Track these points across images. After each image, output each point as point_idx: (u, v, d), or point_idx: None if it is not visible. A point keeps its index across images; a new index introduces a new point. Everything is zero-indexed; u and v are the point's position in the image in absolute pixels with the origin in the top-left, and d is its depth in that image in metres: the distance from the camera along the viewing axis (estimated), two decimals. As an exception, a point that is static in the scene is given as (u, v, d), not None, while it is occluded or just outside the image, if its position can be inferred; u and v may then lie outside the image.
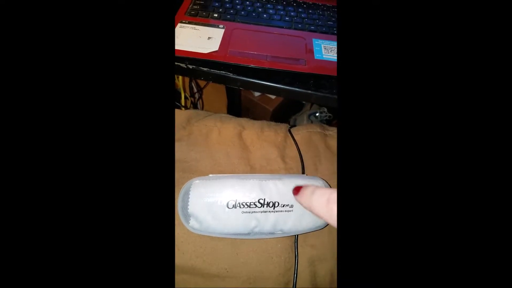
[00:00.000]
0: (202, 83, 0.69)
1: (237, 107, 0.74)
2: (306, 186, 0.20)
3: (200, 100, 0.70)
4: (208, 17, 0.38)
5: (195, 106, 0.70)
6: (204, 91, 0.70)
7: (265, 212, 0.23)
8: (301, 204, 0.20)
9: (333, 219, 0.17)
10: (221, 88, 0.70)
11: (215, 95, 0.73)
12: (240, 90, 0.69)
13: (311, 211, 0.19)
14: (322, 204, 0.17)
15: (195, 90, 0.68)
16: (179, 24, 0.36)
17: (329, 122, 0.80)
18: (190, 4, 0.40)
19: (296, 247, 0.24)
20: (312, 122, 0.79)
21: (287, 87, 0.32)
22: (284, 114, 0.80)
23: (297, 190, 0.21)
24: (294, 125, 0.34)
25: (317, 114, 0.79)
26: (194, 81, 0.66)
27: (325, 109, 0.78)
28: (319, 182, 0.25)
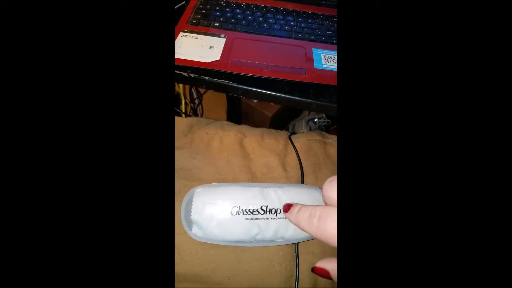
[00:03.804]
0: (202, 89, 0.69)
1: (237, 113, 0.75)
2: (295, 204, 0.22)
3: (200, 106, 0.71)
4: (209, 26, 0.39)
5: (195, 112, 0.70)
6: (204, 96, 0.71)
7: (267, 219, 0.24)
8: (290, 221, 0.22)
9: (312, 231, 0.19)
10: (221, 93, 0.70)
11: (215, 101, 0.74)
12: (241, 97, 0.69)
13: (298, 226, 0.21)
14: (305, 219, 0.19)
15: (195, 96, 0.68)
16: (181, 33, 0.37)
17: (327, 128, 0.81)
18: (191, 13, 0.40)
19: (297, 255, 0.24)
20: (310, 127, 0.80)
21: (288, 96, 0.33)
22: (283, 119, 0.81)
23: (287, 207, 0.22)
24: (293, 132, 0.34)
25: (315, 120, 0.79)
26: (194, 87, 0.66)
27: (324, 115, 0.78)
28: (318, 192, 0.26)
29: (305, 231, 0.20)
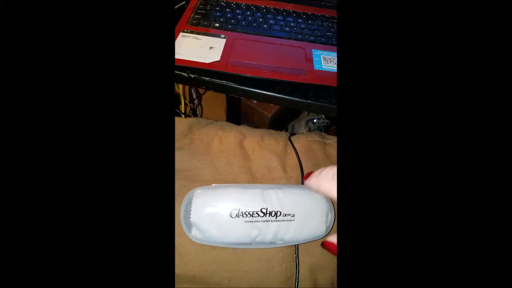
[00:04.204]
0: (201, 89, 0.69)
1: (237, 114, 0.75)
2: (315, 171, 0.21)
3: (199, 106, 0.71)
4: (209, 26, 0.39)
5: (194, 112, 0.70)
6: (203, 97, 0.71)
7: (267, 221, 0.24)
8: (311, 186, 0.21)
9: (336, 191, 0.18)
10: (221, 94, 0.70)
11: (214, 101, 0.74)
12: (240, 97, 0.69)
13: (319, 190, 0.20)
14: (329, 179, 0.19)
15: (194, 96, 0.68)
16: (181, 33, 0.37)
17: (326, 128, 0.81)
18: (191, 14, 0.40)
19: (297, 256, 0.24)
20: (310, 128, 0.80)
21: (288, 97, 0.32)
22: (282, 120, 0.81)
23: (307, 175, 0.22)
24: (293, 132, 0.34)
25: (314, 121, 0.79)
26: (193, 87, 0.66)
27: (323, 116, 0.78)
28: (318, 192, 0.26)
29: (327, 193, 0.19)
